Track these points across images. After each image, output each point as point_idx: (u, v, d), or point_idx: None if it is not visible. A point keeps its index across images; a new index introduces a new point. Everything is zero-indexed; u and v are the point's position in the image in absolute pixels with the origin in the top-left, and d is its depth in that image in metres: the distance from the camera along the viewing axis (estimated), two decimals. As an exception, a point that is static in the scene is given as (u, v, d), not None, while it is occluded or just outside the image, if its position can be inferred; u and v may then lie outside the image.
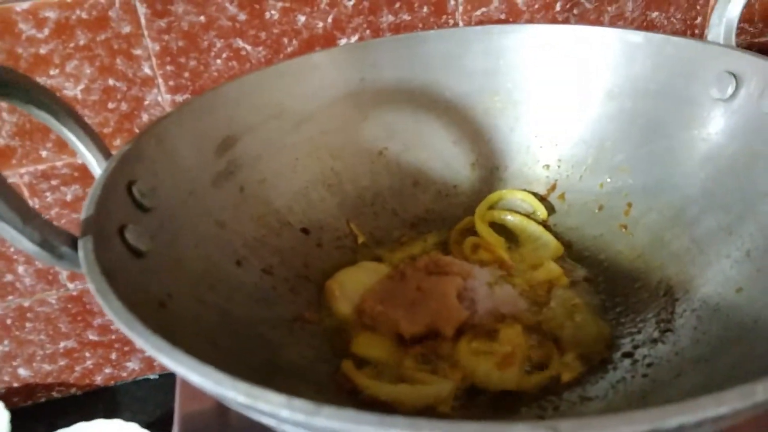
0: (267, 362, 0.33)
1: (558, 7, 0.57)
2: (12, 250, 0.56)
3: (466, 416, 0.32)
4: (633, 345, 0.33)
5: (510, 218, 0.45)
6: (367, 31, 0.53)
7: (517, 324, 0.35)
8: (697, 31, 0.61)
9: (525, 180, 0.47)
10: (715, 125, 0.38)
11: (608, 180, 0.43)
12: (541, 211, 0.44)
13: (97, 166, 0.34)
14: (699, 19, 0.61)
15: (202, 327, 0.32)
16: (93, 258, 0.26)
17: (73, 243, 0.27)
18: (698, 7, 0.61)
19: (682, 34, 0.60)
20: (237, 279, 0.37)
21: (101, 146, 0.34)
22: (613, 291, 0.38)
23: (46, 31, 0.47)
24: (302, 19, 0.51)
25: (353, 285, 0.40)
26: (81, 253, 0.26)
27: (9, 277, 0.58)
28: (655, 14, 0.59)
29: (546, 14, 0.56)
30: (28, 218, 0.26)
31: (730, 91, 0.37)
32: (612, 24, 0.58)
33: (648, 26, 0.59)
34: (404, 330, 0.36)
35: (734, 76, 0.37)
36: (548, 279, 0.39)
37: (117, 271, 0.27)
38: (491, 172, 0.47)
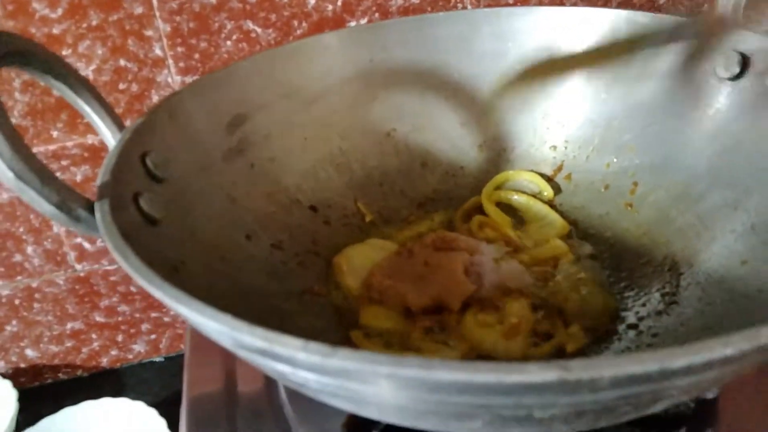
0: (277, 330, 0.34)
1: (565, -7, 0.57)
2: (21, 230, 0.57)
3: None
4: (638, 317, 0.34)
5: (516, 198, 0.45)
6: (376, 14, 0.54)
7: (523, 298, 0.36)
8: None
9: (532, 161, 0.47)
10: (722, 104, 0.38)
11: (615, 160, 0.43)
12: (548, 191, 0.45)
13: (111, 138, 0.34)
14: (705, 6, 0.61)
15: (213, 294, 0.32)
16: (110, 219, 0.26)
17: (89, 207, 0.28)
18: (704, -5, 0.61)
19: (688, 21, 0.61)
20: (247, 252, 0.38)
21: (115, 118, 0.35)
22: (618, 267, 0.38)
23: (60, 11, 0.48)
24: (312, 1, 0.52)
25: (361, 260, 0.41)
26: (98, 215, 0.27)
27: (18, 258, 0.58)
28: (662, 0, 0.59)
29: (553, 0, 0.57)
30: (46, 180, 0.26)
31: (736, 69, 0.37)
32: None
33: (655, 11, 0.60)
34: (412, 303, 0.36)
35: (741, 54, 0.37)
36: (554, 255, 0.39)
37: (132, 235, 0.27)
38: (498, 153, 0.48)
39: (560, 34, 0.46)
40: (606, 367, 0.16)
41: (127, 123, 0.53)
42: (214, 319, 0.20)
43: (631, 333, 0.33)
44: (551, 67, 0.46)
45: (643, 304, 0.35)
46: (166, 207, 0.32)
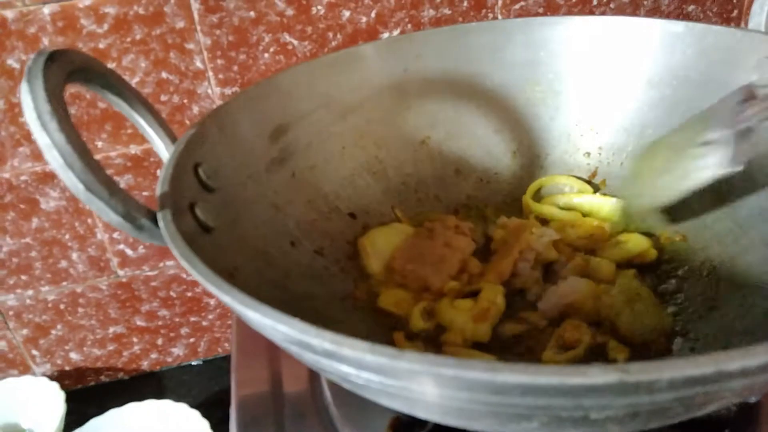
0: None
1: (595, 1, 0.58)
2: (67, 237, 0.59)
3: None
4: (679, 321, 0.34)
5: (562, 201, 0.46)
6: (409, 26, 0.55)
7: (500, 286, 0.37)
8: (732, 24, 0.62)
9: (566, 167, 0.48)
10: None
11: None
12: (587, 190, 0.45)
13: (164, 149, 0.36)
14: (735, 12, 0.61)
15: (264, 299, 0.33)
16: (174, 228, 0.27)
17: (151, 216, 0.29)
18: (734, 0, 0.61)
19: (719, 26, 0.61)
20: (292, 258, 0.39)
21: (167, 130, 0.37)
22: (656, 272, 0.39)
23: (106, 26, 0.50)
24: (347, 14, 0.53)
25: (384, 243, 0.43)
26: (161, 224, 0.28)
27: (63, 264, 0.61)
28: (691, 8, 0.60)
29: (583, 8, 0.58)
30: (113, 192, 0.28)
31: (772, 76, 0.38)
32: (648, 17, 0.59)
33: (684, 19, 0.60)
34: (433, 285, 0.38)
35: (776, 62, 0.38)
36: (638, 253, 0.39)
37: (191, 243, 0.28)
38: (532, 160, 0.49)
39: (592, 42, 0.46)
40: (664, 370, 0.17)
41: (171, 133, 0.56)
42: (284, 324, 0.21)
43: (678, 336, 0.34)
44: (583, 75, 0.47)
45: (684, 309, 0.35)
46: (218, 216, 0.34)
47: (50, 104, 0.27)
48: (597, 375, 0.17)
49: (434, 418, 0.25)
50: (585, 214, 0.44)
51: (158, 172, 0.46)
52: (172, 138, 0.36)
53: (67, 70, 0.30)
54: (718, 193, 0.39)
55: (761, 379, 0.18)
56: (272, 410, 0.40)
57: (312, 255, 0.41)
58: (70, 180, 0.27)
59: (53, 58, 0.29)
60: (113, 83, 0.34)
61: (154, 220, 0.29)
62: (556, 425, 0.21)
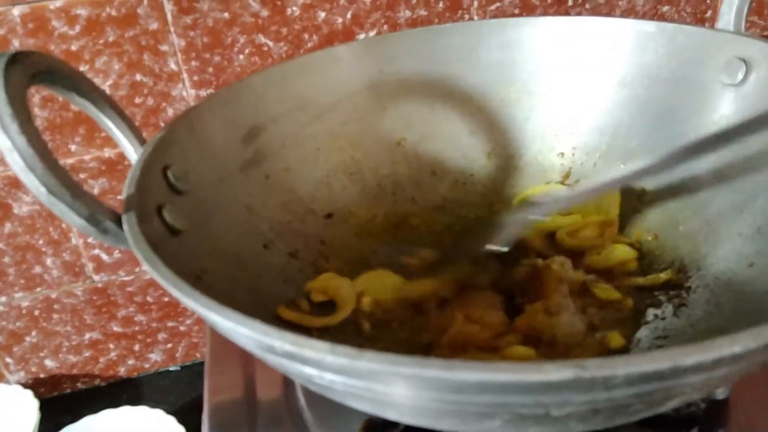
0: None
1: (570, 2, 0.58)
2: (41, 242, 0.58)
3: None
4: (648, 319, 0.35)
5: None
6: (385, 26, 0.55)
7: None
8: (707, 25, 0.63)
9: (540, 168, 0.48)
10: (726, 109, 0.39)
11: (622, 166, 0.44)
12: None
13: (133, 152, 0.36)
14: (709, 13, 0.62)
15: (234, 301, 0.33)
16: (138, 230, 0.27)
17: (116, 219, 0.29)
18: (708, 1, 0.62)
19: (692, 27, 0.62)
20: (265, 261, 0.39)
21: (136, 133, 0.36)
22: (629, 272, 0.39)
23: (78, 28, 0.49)
24: (322, 15, 0.53)
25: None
26: (126, 227, 0.28)
27: (38, 269, 0.60)
28: (665, 8, 0.60)
29: (559, 9, 0.58)
30: (76, 195, 0.27)
31: (740, 76, 0.38)
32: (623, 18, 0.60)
33: (658, 20, 0.61)
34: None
35: (744, 61, 0.38)
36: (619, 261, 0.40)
37: (157, 246, 0.28)
38: (507, 161, 0.49)
39: (565, 43, 0.47)
40: (620, 366, 0.17)
41: (144, 136, 0.55)
42: (245, 326, 0.21)
43: (643, 332, 0.34)
44: (557, 76, 0.47)
45: (653, 307, 0.35)
46: (188, 218, 0.33)
47: (11, 107, 0.26)
48: (553, 371, 0.17)
49: (402, 418, 0.25)
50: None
51: (131, 175, 0.46)
52: (141, 141, 0.36)
53: (31, 72, 0.29)
54: (688, 191, 0.40)
55: (718, 374, 0.19)
56: (246, 416, 0.40)
57: (286, 257, 0.41)
58: (32, 183, 0.26)
59: (15, 59, 0.28)
60: (80, 86, 0.33)
61: (120, 223, 0.29)
62: (519, 423, 0.21)
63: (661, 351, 0.17)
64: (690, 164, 0.40)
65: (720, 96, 0.39)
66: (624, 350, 0.33)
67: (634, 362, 0.17)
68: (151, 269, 0.25)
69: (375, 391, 0.20)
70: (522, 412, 0.20)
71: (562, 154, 0.47)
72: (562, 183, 0.47)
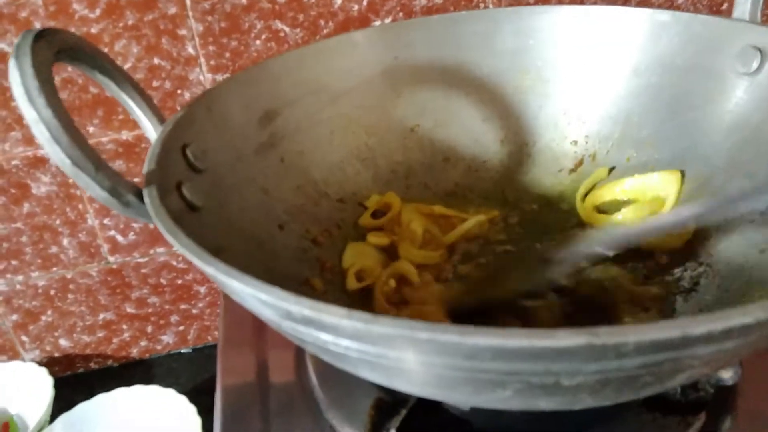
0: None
1: (585, -8, 0.58)
2: (58, 222, 0.59)
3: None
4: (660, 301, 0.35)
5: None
6: (401, 14, 0.55)
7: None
8: (722, 15, 0.62)
9: (552, 156, 0.48)
10: (740, 97, 0.39)
11: (635, 154, 0.44)
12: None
13: (153, 130, 0.36)
14: (725, 5, 0.62)
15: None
16: (159, 203, 0.28)
17: (138, 193, 0.29)
18: (722, -5, 0.62)
19: (707, 19, 0.62)
20: (281, 241, 0.40)
21: (156, 112, 0.37)
22: (640, 256, 0.39)
23: (98, 11, 0.50)
24: (338, 1, 0.53)
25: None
26: (147, 200, 0.28)
27: (54, 249, 0.61)
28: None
29: (574, -2, 0.58)
30: (99, 167, 0.28)
31: (755, 65, 0.38)
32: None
33: (674, 9, 0.60)
34: None
35: (759, 50, 0.38)
36: None
37: (177, 220, 0.29)
38: (520, 148, 0.49)
39: (580, 31, 0.47)
40: (631, 333, 0.17)
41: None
42: (264, 292, 0.21)
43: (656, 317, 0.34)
44: (572, 64, 0.48)
45: (667, 287, 0.36)
46: (206, 196, 0.34)
47: (38, 80, 0.27)
48: (565, 338, 0.17)
49: (413, 390, 0.26)
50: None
51: (148, 156, 0.46)
52: (161, 120, 0.37)
53: (56, 48, 0.30)
54: (703, 173, 0.40)
55: (727, 346, 0.19)
56: (258, 398, 0.41)
57: (300, 239, 0.42)
58: (57, 154, 0.27)
59: (42, 35, 0.29)
60: (102, 64, 0.34)
61: (141, 197, 0.29)
62: (530, 394, 0.21)
63: (672, 320, 0.18)
64: (704, 151, 0.41)
65: (734, 85, 0.40)
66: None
67: (644, 330, 0.17)
68: (173, 240, 0.25)
69: (389, 358, 0.21)
70: (533, 381, 0.20)
71: (575, 142, 0.48)
72: (574, 170, 0.47)
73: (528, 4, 0.57)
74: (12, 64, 0.27)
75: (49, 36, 0.30)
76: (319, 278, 0.40)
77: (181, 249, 0.25)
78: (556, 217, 0.45)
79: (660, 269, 0.38)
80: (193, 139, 0.36)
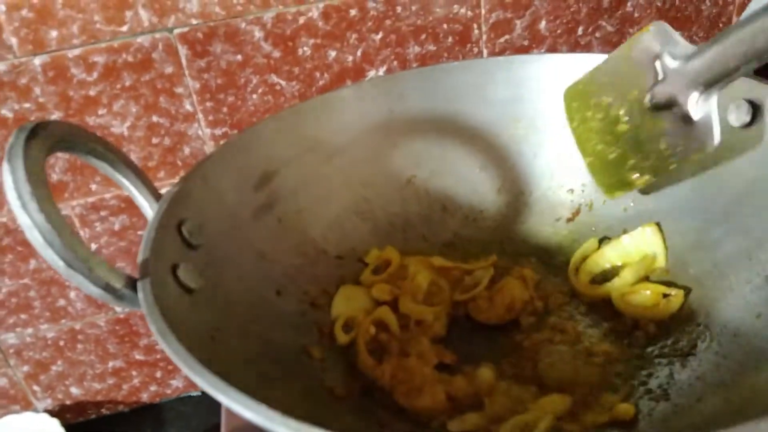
0: (309, 387, 0.36)
1: (580, 31, 0.58)
2: (65, 276, 0.60)
3: None
4: (655, 369, 0.35)
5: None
6: (395, 62, 0.56)
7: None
8: (719, 48, 0.62)
9: (549, 204, 0.48)
10: (734, 151, 0.39)
11: (631, 204, 0.44)
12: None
13: (148, 207, 0.37)
14: (721, 37, 0.61)
15: (248, 357, 0.34)
16: (152, 300, 0.28)
17: (131, 284, 0.30)
18: (720, 25, 0.61)
19: (704, 52, 0.61)
20: (278, 308, 0.40)
21: (151, 188, 0.37)
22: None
23: (95, 75, 0.51)
24: (333, 54, 0.54)
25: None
26: (140, 295, 0.29)
27: (62, 302, 0.62)
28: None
29: (568, 38, 0.58)
30: (93, 266, 0.28)
31: (747, 118, 0.38)
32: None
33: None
34: None
35: (751, 103, 0.38)
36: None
37: (172, 309, 0.29)
38: (517, 197, 0.49)
39: (572, 79, 0.47)
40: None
41: (161, 174, 0.57)
42: (250, 409, 0.22)
43: (653, 383, 0.34)
44: (563, 112, 0.48)
45: (660, 355, 0.35)
46: (202, 273, 0.35)
47: (30, 184, 0.28)
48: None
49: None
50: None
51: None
52: (156, 196, 0.37)
53: (49, 143, 0.31)
54: (699, 229, 0.40)
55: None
56: None
57: (298, 302, 0.42)
58: (51, 257, 0.27)
59: (35, 132, 0.30)
60: (96, 148, 0.35)
61: (135, 288, 0.30)
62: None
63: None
64: (700, 204, 0.40)
65: (728, 137, 0.39)
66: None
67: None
68: (163, 343, 0.26)
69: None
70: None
71: (572, 191, 0.48)
72: (571, 219, 0.47)
73: (522, 47, 0.57)
74: (5, 169, 0.28)
75: (42, 131, 0.30)
76: (317, 346, 0.40)
77: (171, 354, 0.25)
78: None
79: (648, 340, 0.37)
80: (188, 215, 0.36)
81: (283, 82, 0.54)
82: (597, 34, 0.59)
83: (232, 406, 0.22)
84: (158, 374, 0.68)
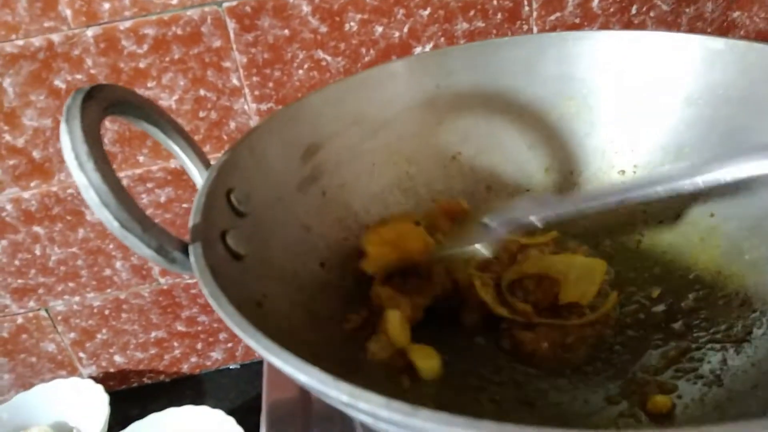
0: (352, 358, 0.36)
1: (634, 10, 0.56)
2: (111, 246, 0.61)
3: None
4: (708, 355, 0.34)
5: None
6: (442, 39, 0.55)
7: None
8: (782, 29, 0.60)
9: (599, 185, 0.47)
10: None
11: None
12: None
13: (198, 175, 0.37)
14: (784, 18, 0.59)
15: (292, 325, 0.34)
16: (203, 263, 0.28)
17: (184, 249, 0.30)
18: (784, 5, 0.59)
19: (766, 33, 0.59)
20: (321, 279, 0.40)
21: (201, 156, 0.38)
22: (687, 300, 0.38)
23: (145, 47, 0.51)
24: (379, 29, 0.53)
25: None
26: (192, 259, 0.29)
27: (108, 272, 0.63)
28: (736, 14, 0.58)
29: (621, 17, 0.56)
30: (146, 228, 0.29)
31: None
32: (690, 25, 0.57)
33: (729, 26, 0.58)
34: None
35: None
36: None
37: (222, 274, 0.29)
38: (565, 176, 0.48)
39: (626, 57, 0.45)
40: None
41: (207, 148, 0.57)
42: (303, 372, 0.22)
43: (706, 369, 0.33)
44: (619, 91, 0.46)
45: (714, 341, 0.34)
46: (249, 241, 0.35)
47: (87, 144, 0.28)
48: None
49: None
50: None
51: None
52: (206, 164, 0.37)
53: (104, 105, 0.31)
54: (754, 217, 0.38)
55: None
56: (301, 413, 0.42)
57: (341, 275, 0.42)
58: (106, 217, 0.28)
59: (91, 95, 0.30)
60: (149, 114, 0.35)
61: (186, 252, 0.30)
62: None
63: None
64: (758, 189, 0.39)
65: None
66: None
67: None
68: (215, 305, 0.26)
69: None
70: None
71: (623, 172, 0.46)
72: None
73: (573, 25, 0.55)
74: (63, 129, 0.28)
75: (97, 95, 0.31)
76: (356, 314, 0.40)
77: (223, 315, 0.25)
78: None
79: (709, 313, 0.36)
80: (236, 183, 0.36)
81: (329, 58, 0.54)
82: (651, 13, 0.57)
83: (285, 368, 0.22)
84: (199, 346, 0.70)
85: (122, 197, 0.28)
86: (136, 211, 0.29)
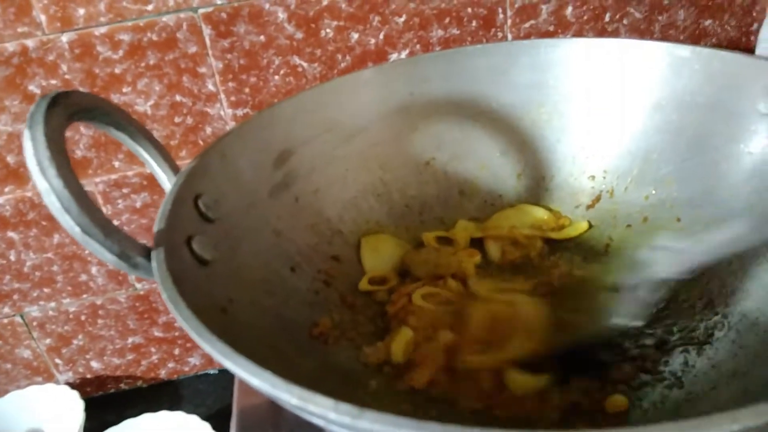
0: (321, 364, 0.36)
1: (607, 18, 0.57)
2: (86, 252, 0.61)
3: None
4: (670, 355, 0.34)
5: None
6: (417, 46, 0.55)
7: None
8: (753, 38, 0.61)
9: (570, 191, 0.47)
10: (762, 140, 0.38)
11: (653, 192, 0.43)
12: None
13: (166, 181, 0.37)
14: (755, 25, 0.60)
15: (260, 330, 0.34)
16: (165, 268, 0.28)
17: (146, 253, 0.30)
18: (754, 13, 0.60)
19: (737, 41, 0.60)
20: (292, 284, 0.40)
21: (170, 162, 0.38)
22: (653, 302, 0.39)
23: (121, 53, 0.51)
24: (355, 36, 0.54)
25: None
26: (154, 264, 0.29)
27: (83, 277, 0.63)
28: (708, 22, 0.59)
29: (595, 25, 0.57)
30: (108, 233, 0.29)
31: (776, 107, 0.37)
32: (663, 33, 0.58)
33: (701, 34, 0.59)
34: None
35: (783, 91, 0.37)
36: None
37: (185, 279, 0.29)
38: (537, 182, 0.49)
39: (597, 65, 0.46)
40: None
41: (182, 153, 0.57)
42: (255, 376, 0.22)
43: (666, 371, 0.33)
44: (589, 97, 0.47)
45: (676, 342, 0.35)
46: (216, 247, 0.35)
47: (49, 150, 0.28)
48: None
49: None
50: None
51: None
52: (175, 170, 0.37)
53: (70, 111, 0.31)
54: (721, 221, 0.39)
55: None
56: (271, 419, 0.42)
57: (311, 280, 0.42)
58: (67, 223, 0.28)
59: (56, 101, 0.30)
60: (117, 120, 0.35)
61: (149, 257, 0.30)
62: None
63: (657, 425, 0.17)
64: (724, 194, 0.39)
65: (756, 125, 0.38)
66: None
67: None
68: (173, 309, 0.26)
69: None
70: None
71: (593, 177, 0.47)
72: (591, 206, 0.47)
73: (547, 33, 0.56)
74: (25, 135, 0.28)
75: (63, 100, 0.31)
76: (328, 317, 0.40)
77: (180, 320, 0.25)
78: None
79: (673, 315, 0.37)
80: (205, 189, 0.36)
81: (305, 64, 0.54)
82: (624, 21, 0.57)
83: (237, 372, 0.22)
84: (176, 351, 0.69)
85: (84, 203, 0.28)
86: (97, 216, 0.29)
